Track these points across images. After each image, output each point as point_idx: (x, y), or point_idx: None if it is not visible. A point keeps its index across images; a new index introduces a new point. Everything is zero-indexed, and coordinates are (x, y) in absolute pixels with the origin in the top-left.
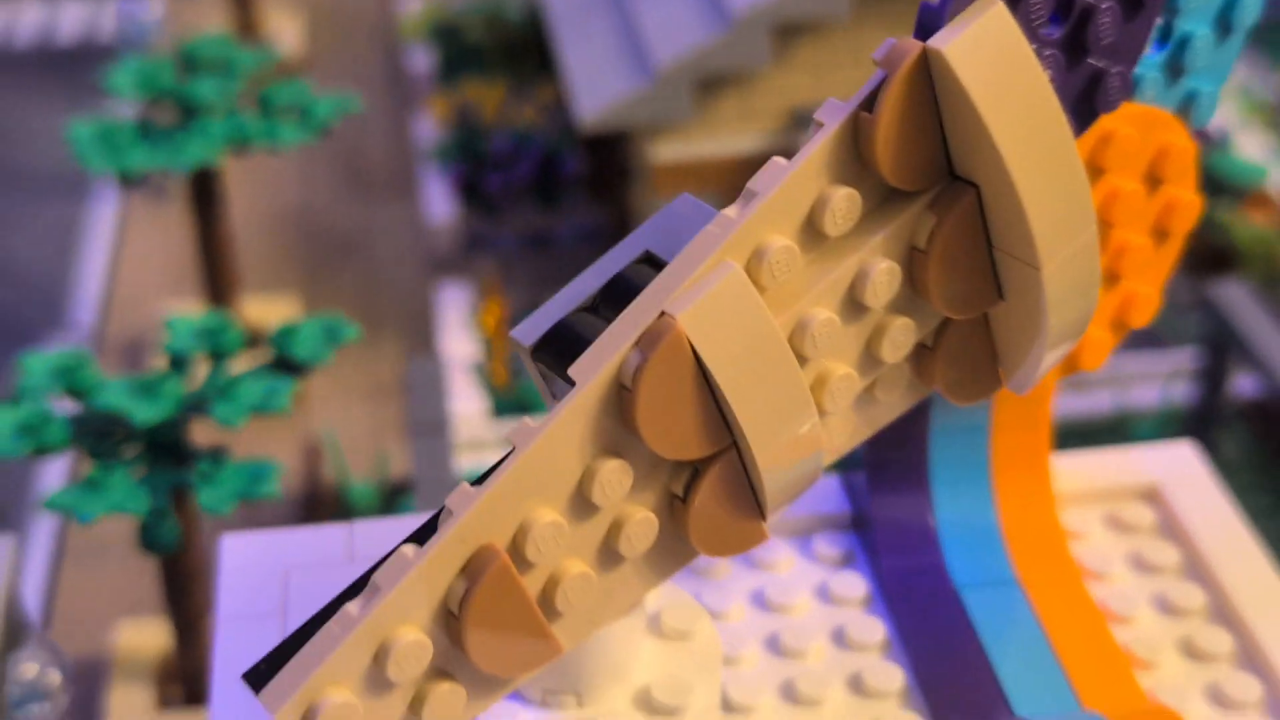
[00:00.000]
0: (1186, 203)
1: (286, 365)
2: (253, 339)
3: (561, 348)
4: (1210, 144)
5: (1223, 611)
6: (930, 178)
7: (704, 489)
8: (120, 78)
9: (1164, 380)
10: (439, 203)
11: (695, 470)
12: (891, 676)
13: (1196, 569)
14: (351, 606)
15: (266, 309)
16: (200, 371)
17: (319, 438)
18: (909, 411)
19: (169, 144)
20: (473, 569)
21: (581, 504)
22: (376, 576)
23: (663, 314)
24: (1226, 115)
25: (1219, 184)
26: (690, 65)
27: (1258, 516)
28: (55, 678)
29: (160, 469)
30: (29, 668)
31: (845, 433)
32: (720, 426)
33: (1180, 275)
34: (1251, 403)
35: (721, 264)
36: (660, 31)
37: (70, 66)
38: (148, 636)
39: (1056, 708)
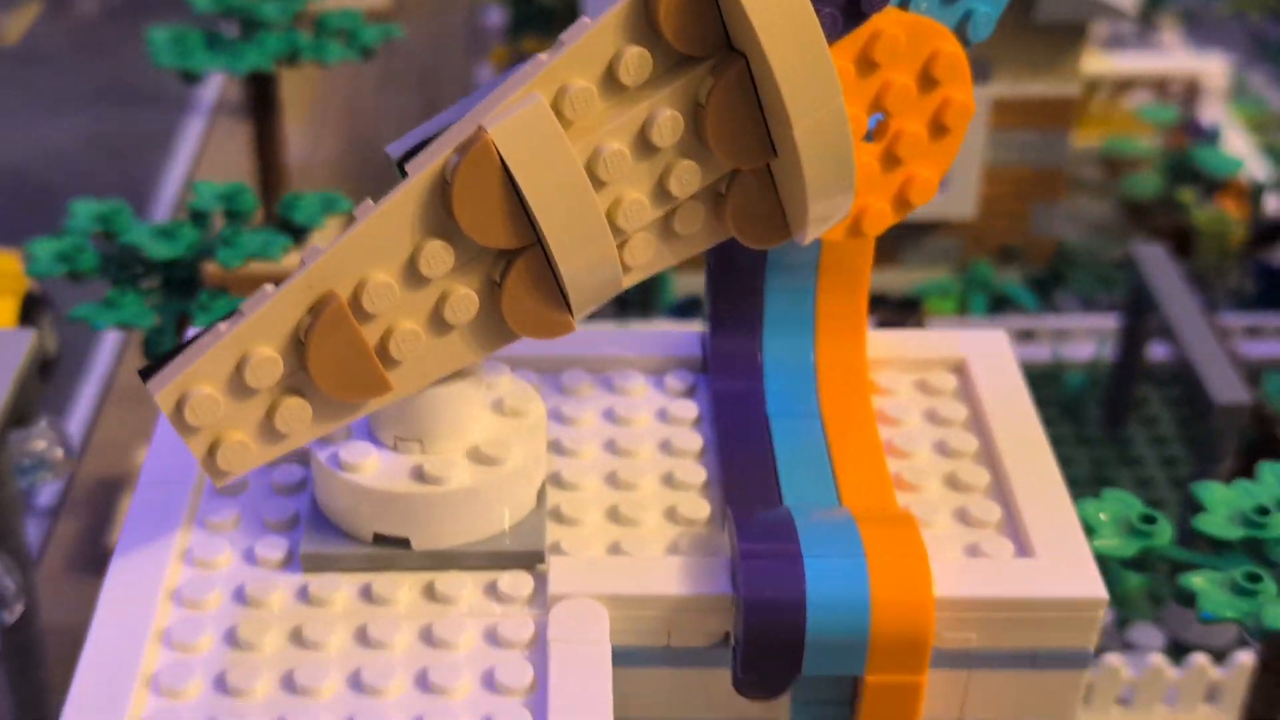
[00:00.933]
0: (960, 102)
1: (287, 227)
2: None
3: None
4: (1201, 136)
5: (989, 456)
6: (709, 46)
7: (514, 275)
8: None
9: (1098, 337)
10: None
11: (510, 261)
12: (697, 474)
13: (979, 424)
14: (222, 325)
15: None
16: (218, 226)
17: None
18: (748, 273)
19: (230, 51)
20: (317, 308)
21: (413, 274)
22: (243, 305)
23: (480, 128)
24: (1222, 114)
25: (1196, 172)
26: None
27: (1168, 463)
28: (59, 454)
29: (170, 299)
30: (38, 443)
31: (647, 254)
32: (526, 225)
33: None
34: (1167, 361)
35: (529, 94)
36: None
37: None
38: None
39: (818, 504)
